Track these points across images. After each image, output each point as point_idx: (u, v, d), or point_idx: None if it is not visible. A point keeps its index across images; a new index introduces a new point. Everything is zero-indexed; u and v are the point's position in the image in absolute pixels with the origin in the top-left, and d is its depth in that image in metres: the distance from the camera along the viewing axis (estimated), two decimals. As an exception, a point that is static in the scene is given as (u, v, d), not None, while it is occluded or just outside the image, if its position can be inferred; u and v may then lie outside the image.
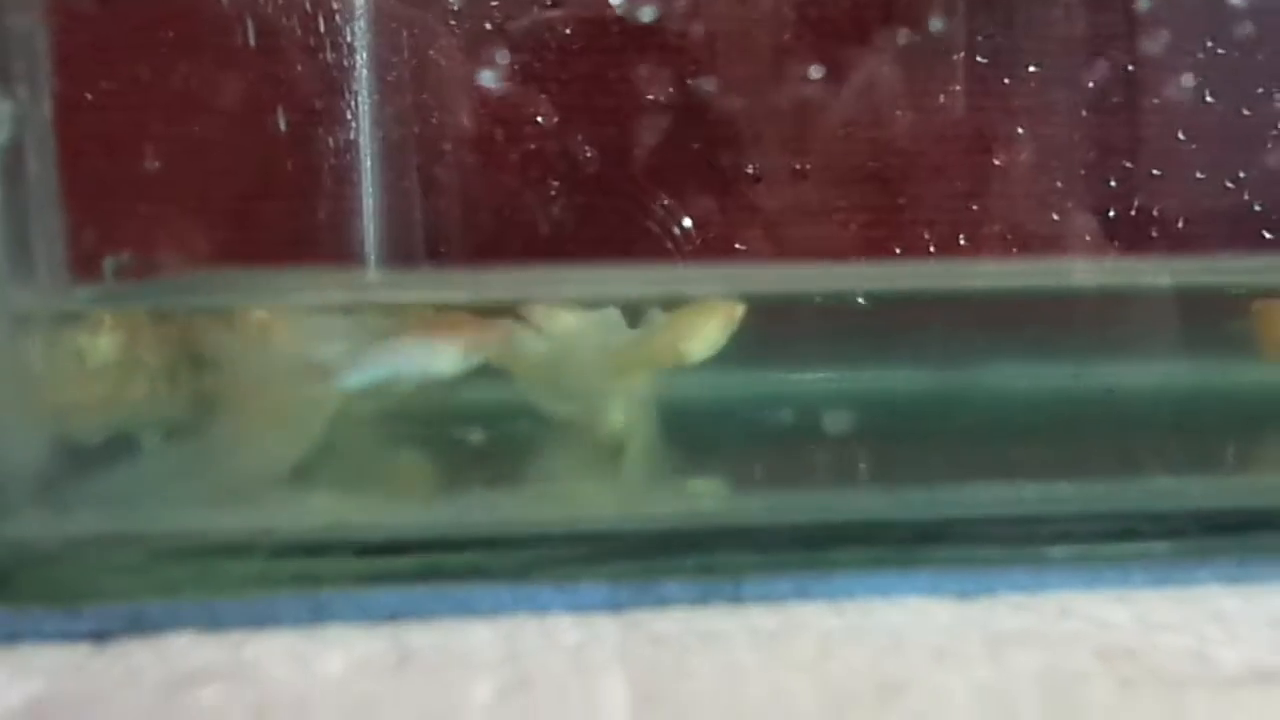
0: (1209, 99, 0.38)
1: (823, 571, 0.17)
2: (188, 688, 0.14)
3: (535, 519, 0.17)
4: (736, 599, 0.17)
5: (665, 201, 0.38)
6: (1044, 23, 0.38)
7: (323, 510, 0.17)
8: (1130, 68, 0.39)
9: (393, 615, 0.16)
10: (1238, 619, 0.15)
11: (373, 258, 0.37)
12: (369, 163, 0.37)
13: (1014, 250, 0.38)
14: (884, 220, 0.37)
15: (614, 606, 0.17)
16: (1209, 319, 0.29)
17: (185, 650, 0.16)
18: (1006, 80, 0.38)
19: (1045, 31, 0.38)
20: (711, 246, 0.37)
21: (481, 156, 0.38)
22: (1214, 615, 0.16)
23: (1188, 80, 0.38)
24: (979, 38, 0.37)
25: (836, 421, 0.18)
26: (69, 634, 0.16)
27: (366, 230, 0.37)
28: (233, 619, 0.16)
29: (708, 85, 0.37)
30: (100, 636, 0.16)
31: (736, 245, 0.36)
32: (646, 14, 0.33)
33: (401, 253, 0.37)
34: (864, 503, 0.18)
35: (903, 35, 0.36)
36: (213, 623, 0.16)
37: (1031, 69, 0.37)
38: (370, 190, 0.37)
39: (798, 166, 0.36)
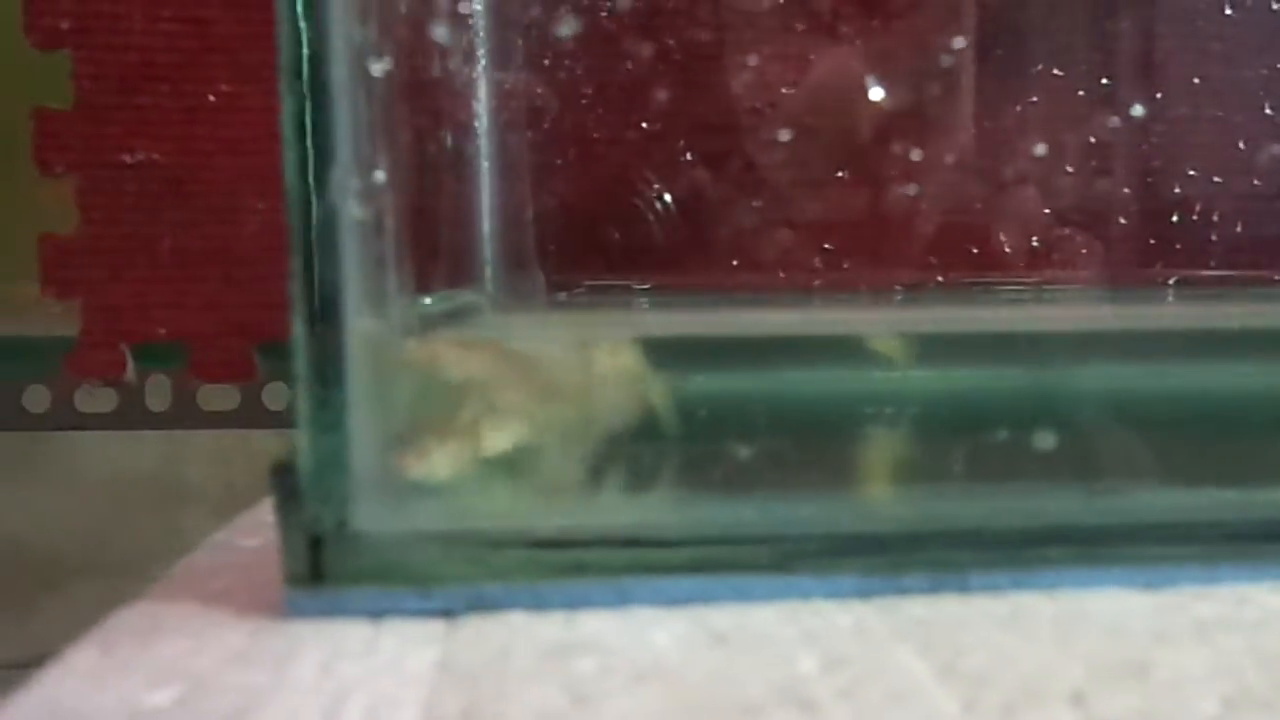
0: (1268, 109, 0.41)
1: (1035, 567, 0.20)
2: (564, 657, 0.18)
3: (792, 519, 0.21)
4: (964, 589, 0.20)
5: (760, 204, 0.41)
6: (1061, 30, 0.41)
7: (618, 511, 0.21)
8: (1196, 79, 0.42)
9: (684, 600, 0.20)
10: (1387, 609, 0.19)
11: (488, 259, 0.40)
12: (486, 165, 0.40)
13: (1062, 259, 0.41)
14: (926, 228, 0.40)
15: (863, 594, 0.20)
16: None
17: (525, 626, 0.19)
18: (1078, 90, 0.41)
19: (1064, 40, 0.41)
20: (816, 252, 0.40)
21: (588, 160, 0.41)
22: (1365, 606, 0.19)
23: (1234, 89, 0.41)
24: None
25: (1044, 440, 0.21)
26: (422, 611, 0.20)
27: (483, 232, 0.40)
28: (553, 601, 0.20)
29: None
30: (448, 613, 0.20)
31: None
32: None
33: (513, 253, 0.40)
34: (1062, 507, 0.21)
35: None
36: (537, 604, 0.20)
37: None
38: (487, 194, 0.40)
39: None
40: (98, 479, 0.54)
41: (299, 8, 0.19)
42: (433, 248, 0.36)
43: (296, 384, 0.20)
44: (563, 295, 0.40)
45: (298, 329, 0.20)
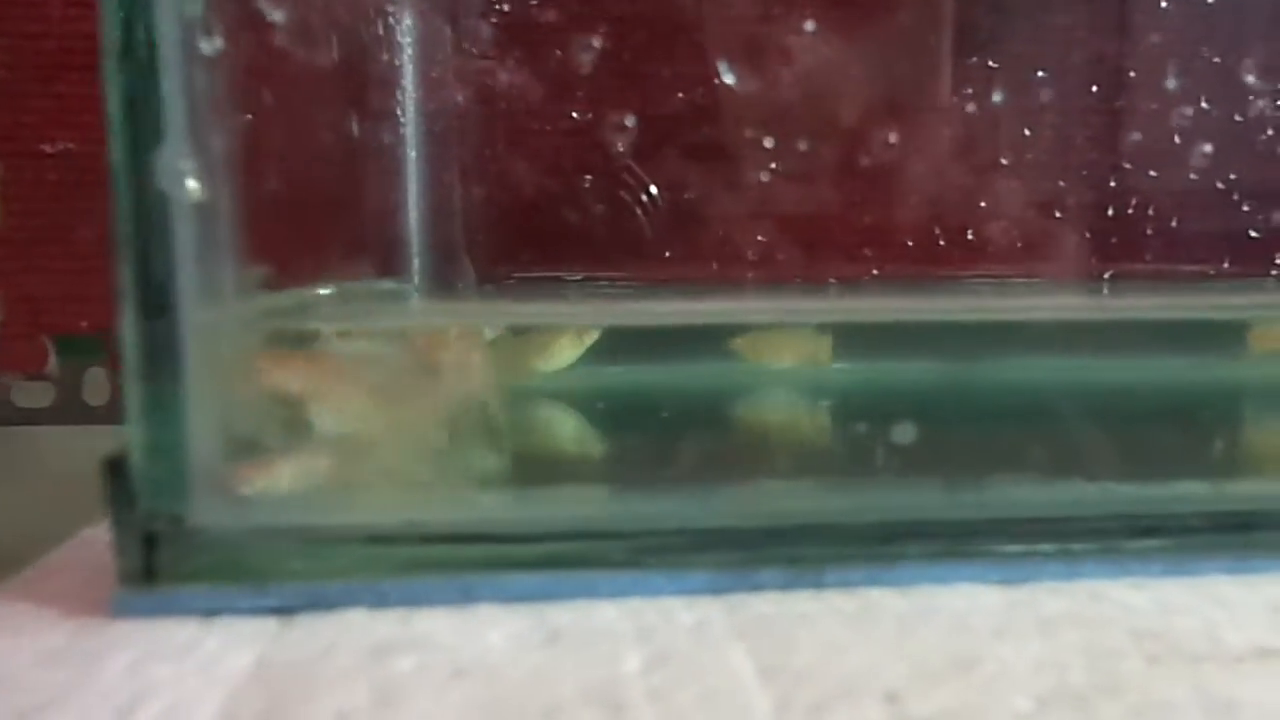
0: (1204, 104, 0.41)
1: (891, 563, 0.20)
2: (387, 655, 0.17)
3: (645, 514, 0.20)
4: (818, 585, 0.20)
5: (691, 194, 0.41)
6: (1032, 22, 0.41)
7: (465, 506, 0.20)
8: (1131, 73, 0.42)
9: (530, 597, 0.19)
10: (1238, 605, 0.19)
11: (415, 248, 0.40)
12: (413, 154, 0.39)
13: (998, 252, 0.41)
14: (871, 218, 0.40)
15: (715, 591, 0.20)
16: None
17: (360, 624, 0.19)
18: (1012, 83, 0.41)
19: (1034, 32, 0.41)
20: (747, 242, 0.40)
21: (518, 150, 0.41)
22: (1218, 601, 0.19)
23: (1177, 82, 0.41)
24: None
25: (904, 433, 0.21)
26: (257, 609, 0.19)
27: (410, 221, 0.40)
28: (394, 599, 0.19)
29: (735, 83, 0.39)
30: (284, 611, 0.19)
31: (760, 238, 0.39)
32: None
33: (442, 243, 0.39)
34: (924, 502, 0.21)
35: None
36: (377, 601, 0.19)
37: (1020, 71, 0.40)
38: (413, 183, 0.40)
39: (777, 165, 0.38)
40: (43, 474, 0.53)
41: (124, -15, 0.18)
42: (336, 235, 0.35)
43: (127, 376, 0.19)
44: (491, 286, 0.39)
45: (127, 319, 0.19)
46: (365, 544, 0.20)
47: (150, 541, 0.19)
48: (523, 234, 0.41)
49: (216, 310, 0.20)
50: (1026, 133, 0.42)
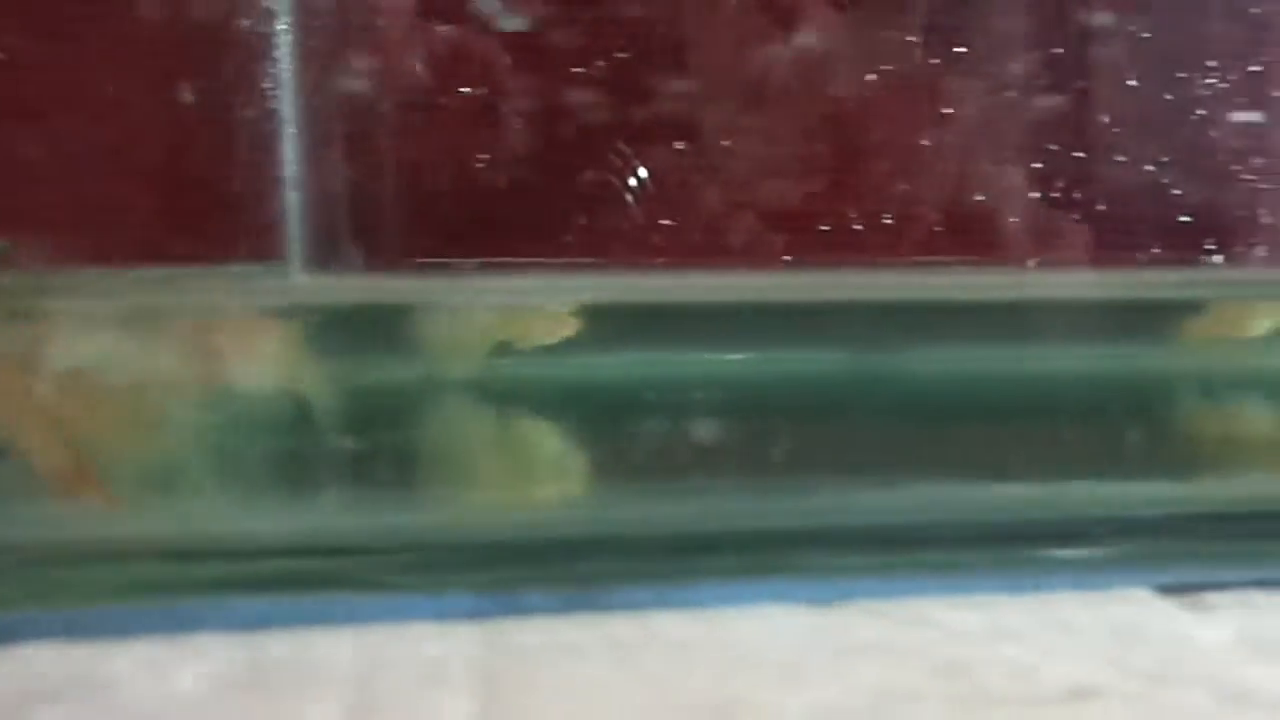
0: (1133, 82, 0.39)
1: (684, 580, 0.17)
2: (35, 705, 0.14)
3: (397, 524, 0.17)
4: (600, 606, 0.17)
5: (621, 167, 0.38)
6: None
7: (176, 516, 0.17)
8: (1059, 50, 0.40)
9: (255, 625, 0.16)
10: (1082, 628, 0.16)
11: (296, 234, 0.36)
12: (291, 131, 0.36)
13: (935, 231, 0.38)
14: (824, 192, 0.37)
15: (478, 615, 0.17)
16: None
17: (26, 663, 0.15)
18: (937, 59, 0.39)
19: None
20: (665, 221, 0.37)
21: (410, 122, 0.37)
22: (1060, 625, 0.16)
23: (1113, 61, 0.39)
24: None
25: (706, 430, 0.18)
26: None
27: (287, 204, 0.36)
28: (88, 628, 0.16)
29: (662, 44, 0.36)
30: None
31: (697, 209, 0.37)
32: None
33: (325, 227, 0.36)
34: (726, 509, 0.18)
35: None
36: (66, 632, 0.16)
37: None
38: (291, 162, 0.36)
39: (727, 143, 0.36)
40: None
41: None
42: (163, 209, 0.32)
43: None
44: (382, 273, 0.36)
45: None
46: (57, 564, 0.17)
47: None
48: (416, 217, 0.38)
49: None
50: (948, 111, 0.39)
